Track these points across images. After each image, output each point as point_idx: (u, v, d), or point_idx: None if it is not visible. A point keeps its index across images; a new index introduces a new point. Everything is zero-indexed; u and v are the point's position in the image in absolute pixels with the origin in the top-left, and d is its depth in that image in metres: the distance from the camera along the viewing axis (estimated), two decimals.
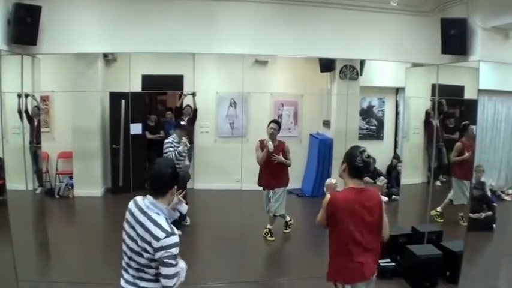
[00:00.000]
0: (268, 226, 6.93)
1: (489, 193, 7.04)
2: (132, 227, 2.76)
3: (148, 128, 9.19)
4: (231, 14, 5.63)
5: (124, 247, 2.83)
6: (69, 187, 8.60)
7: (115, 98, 8.52)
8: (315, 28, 5.75)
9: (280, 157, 6.64)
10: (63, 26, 5.21)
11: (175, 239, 2.71)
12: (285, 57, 8.98)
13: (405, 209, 7.23)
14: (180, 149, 6.65)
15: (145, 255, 2.70)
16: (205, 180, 9.49)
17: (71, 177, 8.70)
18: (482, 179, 6.73)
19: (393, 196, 9.05)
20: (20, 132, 5.65)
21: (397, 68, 7.69)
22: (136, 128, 8.24)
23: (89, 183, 8.64)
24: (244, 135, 8.88)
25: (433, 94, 6.67)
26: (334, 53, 6.35)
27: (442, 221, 6.95)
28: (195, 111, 9.07)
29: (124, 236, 2.83)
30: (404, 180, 7.30)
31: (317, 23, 5.74)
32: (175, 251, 2.71)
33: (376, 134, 10.03)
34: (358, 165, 3.27)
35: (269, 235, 6.89)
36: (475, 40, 5.33)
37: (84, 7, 5.34)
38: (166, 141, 6.81)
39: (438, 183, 7.30)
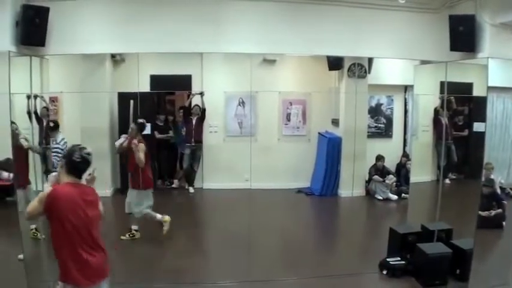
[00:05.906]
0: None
1: (499, 190, 7.00)
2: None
3: (157, 128, 9.23)
4: (239, 13, 5.61)
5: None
6: None
7: (123, 98, 8.55)
8: (323, 26, 5.72)
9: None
10: (72, 27, 5.21)
11: None
12: (293, 56, 9.00)
13: (415, 207, 7.19)
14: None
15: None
16: (214, 179, 9.53)
17: None
18: (492, 176, 6.68)
19: (402, 194, 9.05)
20: (29, 133, 5.70)
21: (406, 65, 7.67)
22: None
23: (98, 183, 8.48)
24: (252, 135, 8.89)
25: (441, 91, 6.63)
26: (342, 51, 6.32)
27: None
28: (203, 110, 9.11)
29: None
30: (414, 178, 7.25)
31: (325, 21, 5.72)
32: None
33: (385, 132, 10.01)
34: (75, 160, 3.17)
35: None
36: (483, 37, 5.27)
37: (92, 8, 5.35)
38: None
39: (447, 181, 7.26)
